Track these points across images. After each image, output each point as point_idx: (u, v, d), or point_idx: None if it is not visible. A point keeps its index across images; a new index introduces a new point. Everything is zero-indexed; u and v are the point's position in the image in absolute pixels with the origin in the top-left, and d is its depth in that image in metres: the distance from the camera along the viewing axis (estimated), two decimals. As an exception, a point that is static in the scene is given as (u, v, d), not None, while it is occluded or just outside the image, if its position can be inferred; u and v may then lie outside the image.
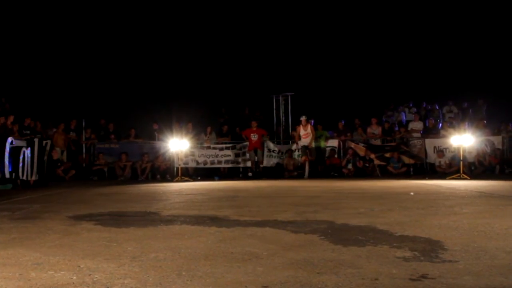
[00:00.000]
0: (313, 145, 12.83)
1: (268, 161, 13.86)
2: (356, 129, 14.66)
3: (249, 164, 13.58)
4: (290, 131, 15.18)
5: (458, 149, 11.69)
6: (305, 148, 12.69)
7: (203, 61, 18.49)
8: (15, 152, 9.11)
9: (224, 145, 13.90)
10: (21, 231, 3.81)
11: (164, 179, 12.51)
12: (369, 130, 14.49)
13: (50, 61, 17.19)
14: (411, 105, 16.29)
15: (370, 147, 13.92)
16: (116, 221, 4.29)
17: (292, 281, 2.24)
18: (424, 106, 16.34)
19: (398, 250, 2.85)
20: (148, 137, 14.29)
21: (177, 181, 11.53)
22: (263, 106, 16.26)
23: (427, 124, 14.66)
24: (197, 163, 13.60)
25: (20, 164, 9.16)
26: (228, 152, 13.78)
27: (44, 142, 10.38)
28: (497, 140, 13.42)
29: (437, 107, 15.94)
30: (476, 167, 13.06)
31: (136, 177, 13.02)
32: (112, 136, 14.07)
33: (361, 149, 13.84)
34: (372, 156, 13.67)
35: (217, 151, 13.77)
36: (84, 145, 13.88)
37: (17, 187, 9.16)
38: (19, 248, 3.09)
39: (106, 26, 17.99)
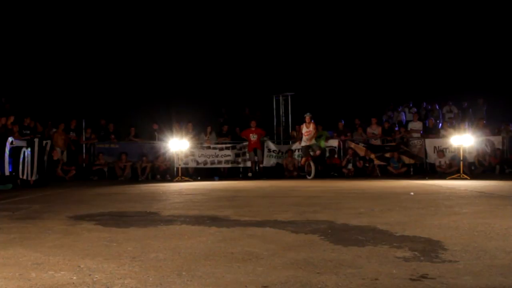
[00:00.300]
0: (313, 141, 12.60)
1: (268, 161, 13.86)
2: (356, 129, 14.66)
3: (249, 164, 13.58)
4: (290, 131, 15.17)
5: (458, 149, 11.70)
6: (306, 148, 12.51)
7: (203, 61, 18.50)
8: (15, 152, 9.12)
9: (224, 145, 13.91)
10: (21, 231, 3.81)
11: (164, 179, 12.51)
12: (369, 130, 14.49)
13: (50, 61, 17.19)
14: (411, 105, 16.29)
15: (370, 147, 13.92)
16: (116, 221, 4.29)
17: (292, 281, 2.24)
18: (424, 106, 16.34)
19: (398, 250, 2.85)
20: (148, 137, 14.29)
21: (177, 181, 11.53)
22: (263, 106, 16.25)
23: (427, 124, 14.66)
24: (197, 163, 13.60)
25: (20, 164, 9.17)
26: (228, 152, 13.79)
27: (44, 142, 10.39)
28: (497, 140, 13.41)
29: (437, 107, 15.94)
30: (476, 167, 13.06)
31: (136, 177, 13.02)
32: (112, 136, 14.07)
33: (361, 149, 13.85)
34: (372, 156, 13.67)
35: (217, 151, 13.77)
36: (84, 145, 13.88)
37: (17, 187, 9.16)
38: (19, 248, 3.09)
39: (106, 26, 17.99)
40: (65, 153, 13.28)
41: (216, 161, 13.74)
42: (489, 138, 13.47)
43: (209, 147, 13.80)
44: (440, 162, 13.21)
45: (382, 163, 13.69)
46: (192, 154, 13.48)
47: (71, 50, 17.66)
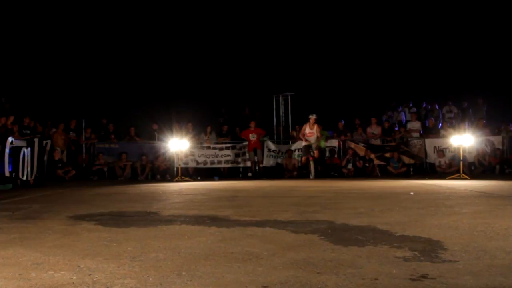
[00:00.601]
0: (317, 143, 12.58)
1: (268, 161, 13.86)
2: (356, 129, 14.66)
3: (249, 164, 13.58)
4: (290, 131, 15.18)
5: (458, 149, 11.70)
6: (307, 148, 12.49)
7: (203, 61, 18.49)
8: (15, 152, 9.11)
9: (224, 145, 13.90)
10: (21, 231, 3.81)
11: (164, 179, 12.50)
12: (369, 130, 14.49)
13: (50, 61, 17.18)
14: (411, 105, 16.28)
15: (370, 147, 13.92)
16: (116, 221, 4.29)
17: (292, 281, 2.24)
18: (424, 106, 16.34)
19: (398, 250, 2.85)
20: (148, 137, 14.29)
21: (177, 181, 11.53)
22: (263, 106, 16.25)
23: (427, 124, 14.66)
24: (197, 163, 13.60)
25: (20, 164, 9.17)
26: (228, 152, 13.79)
27: (44, 142, 10.39)
28: (497, 140, 13.42)
29: (437, 107, 15.93)
30: (476, 167, 13.06)
31: (136, 177, 13.02)
32: (112, 136, 14.07)
33: (361, 149, 13.85)
34: (372, 156, 13.67)
35: (217, 151, 13.77)
36: (84, 145, 13.87)
37: (17, 187, 9.16)
38: (19, 248, 3.09)
39: (106, 26, 17.98)
40: (65, 153, 13.28)
41: (216, 161, 13.74)
42: (489, 138, 13.47)
43: (209, 147, 13.79)
44: (440, 162, 13.21)
45: (382, 163, 13.69)
46: (192, 154, 13.48)
47: (71, 50, 17.66)
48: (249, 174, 13.35)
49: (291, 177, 13.08)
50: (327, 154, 13.73)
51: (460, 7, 17.84)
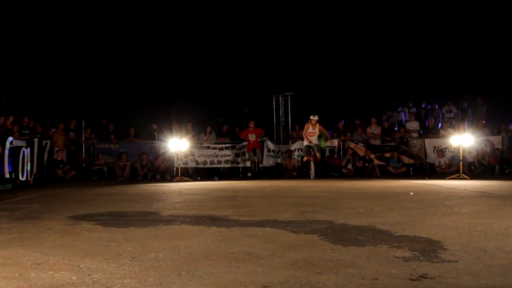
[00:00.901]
0: (319, 142, 12.53)
1: (268, 161, 13.86)
2: (356, 129, 14.67)
3: (248, 164, 13.59)
4: (289, 131, 15.18)
5: (458, 149, 11.70)
6: (308, 148, 12.47)
7: (203, 61, 18.48)
8: (15, 152, 9.11)
9: (223, 145, 13.91)
10: (21, 231, 3.81)
11: (164, 179, 12.51)
12: (368, 130, 14.50)
13: (49, 61, 17.18)
14: (410, 105, 16.28)
15: (369, 147, 13.93)
16: (116, 221, 4.29)
17: (292, 281, 2.24)
18: (423, 106, 16.33)
19: (398, 250, 2.85)
20: (148, 137, 14.29)
21: (177, 181, 11.53)
22: (263, 106, 16.25)
23: (426, 124, 14.66)
24: (197, 163, 13.60)
25: (20, 164, 9.17)
26: (228, 152, 13.79)
27: (44, 142, 10.39)
28: (497, 140, 13.42)
29: (436, 107, 15.94)
30: (475, 167, 13.06)
31: (136, 177, 13.02)
32: (112, 136, 14.07)
33: (360, 149, 13.85)
34: (372, 156, 13.68)
35: (216, 151, 13.77)
36: (83, 145, 13.87)
37: (16, 187, 9.16)
38: (19, 248, 3.09)
39: (106, 26, 17.98)
40: (64, 153, 13.28)
41: (215, 161, 13.74)
42: (488, 138, 13.48)
43: (208, 147, 13.80)
44: (439, 162, 13.21)
45: (381, 163, 13.69)
46: (192, 154, 13.48)
47: (70, 50, 17.65)
48: (249, 174, 13.35)
49: (291, 177, 13.08)
50: (327, 154, 13.73)
51: (460, 7, 17.84)
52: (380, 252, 2.81)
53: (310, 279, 2.26)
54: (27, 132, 11.92)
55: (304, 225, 3.85)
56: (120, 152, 13.51)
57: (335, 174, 13.22)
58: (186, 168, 13.19)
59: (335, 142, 14.03)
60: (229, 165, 13.91)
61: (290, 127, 15.31)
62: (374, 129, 14.43)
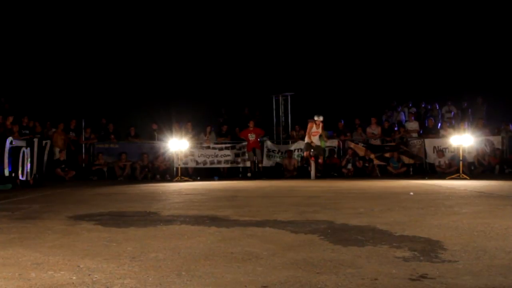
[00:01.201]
0: (319, 143, 12.51)
1: (268, 161, 13.87)
2: (356, 129, 14.67)
3: (248, 164, 13.59)
4: (289, 131, 15.18)
5: (458, 149, 11.70)
6: (308, 145, 12.39)
7: (203, 61, 18.49)
8: (15, 152, 9.11)
9: (223, 145, 13.91)
10: (21, 231, 3.81)
11: (164, 179, 12.51)
12: (368, 130, 14.50)
13: (49, 61, 17.18)
14: (410, 105, 16.28)
15: (369, 147, 13.93)
16: (116, 221, 4.29)
17: (292, 281, 2.24)
18: (423, 106, 16.33)
19: (398, 250, 2.85)
20: (148, 137, 14.29)
21: (177, 181, 11.53)
22: (263, 106, 16.25)
23: (426, 124, 14.66)
24: (197, 163, 13.60)
25: (20, 164, 9.17)
26: (228, 152, 13.79)
27: (44, 142, 10.39)
28: (496, 140, 13.42)
29: (436, 106, 15.94)
30: (475, 167, 13.06)
31: (136, 177, 13.02)
32: (112, 136, 14.07)
33: (360, 149, 13.85)
34: (372, 156, 13.68)
35: (216, 151, 13.77)
36: (83, 145, 13.87)
37: (16, 187, 9.16)
38: (19, 248, 3.09)
39: (106, 26, 17.98)
40: (64, 153, 13.28)
41: (215, 161, 13.74)
42: (488, 138, 13.48)
43: (208, 147, 13.80)
44: (439, 162, 13.21)
45: (381, 163, 13.69)
46: (192, 154, 13.48)
47: (70, 50, 17.65)
48: (249, 174, 13.35)
49: (291, 177, 13.08)
50: (327, 154, 13.72)
51: (460, 7, 17.84)
52: (380, 252, 2.81)
53: (310, 279, 2.26)
54: (27, 132, 11.92)
55: (304, 225, 3.85)
56: (120, 152, 13.51)
57: (335, 174, 13.22)
58: (186, 168, 13.19)
59: (334, 142, 14.02)
60: (229, 165, 13.91)
61: (290, 127, 15.31)
62: (374, 129, 14.43)
